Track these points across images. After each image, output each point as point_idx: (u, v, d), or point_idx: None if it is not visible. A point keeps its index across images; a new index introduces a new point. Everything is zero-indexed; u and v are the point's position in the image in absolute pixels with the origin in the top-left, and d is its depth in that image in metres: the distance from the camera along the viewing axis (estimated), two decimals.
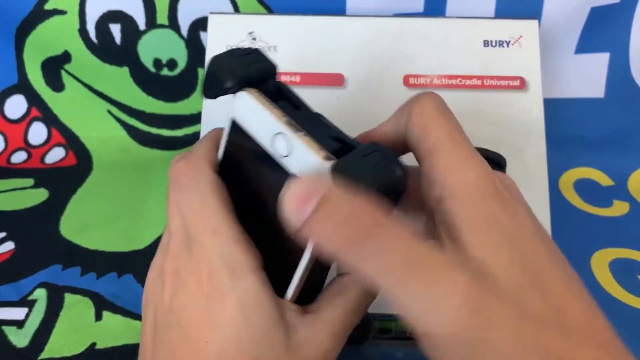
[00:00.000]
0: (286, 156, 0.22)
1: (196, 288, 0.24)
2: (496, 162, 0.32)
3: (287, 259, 0.23)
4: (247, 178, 0.25)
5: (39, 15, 0.51)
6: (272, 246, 0.24)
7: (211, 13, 0.45)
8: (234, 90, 0.24)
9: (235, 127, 0.24)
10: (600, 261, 0.45)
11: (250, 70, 0.24)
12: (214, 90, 0.24)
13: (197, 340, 0.23)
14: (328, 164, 0.20)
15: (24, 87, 0.54)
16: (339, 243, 0.19)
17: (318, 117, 0.24)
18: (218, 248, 0.23)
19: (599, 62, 0.52)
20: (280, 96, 0.24)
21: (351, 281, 0.25)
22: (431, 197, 0.22)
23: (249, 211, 0.25)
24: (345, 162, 0.20)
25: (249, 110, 0.23)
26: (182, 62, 0.53)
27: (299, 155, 0.21)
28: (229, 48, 0.45)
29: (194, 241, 0.24)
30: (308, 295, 0.24)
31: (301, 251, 0.22)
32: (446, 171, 0.21)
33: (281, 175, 0.22)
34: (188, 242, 0.24)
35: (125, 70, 0.54)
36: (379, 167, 0.20)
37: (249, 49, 0.25)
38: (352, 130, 0.44)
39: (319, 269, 0.23)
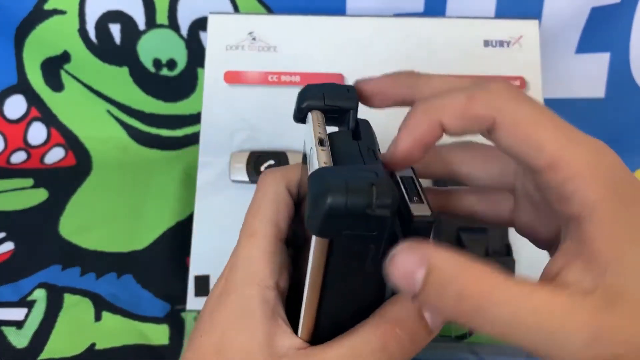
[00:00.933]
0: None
1: (219, 282, 0.25)
2: None
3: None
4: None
5: (38, 15, 0.51)
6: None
7: (211, 13, 0.45)
8: (304, 113, 0.25)
9: (304, 156, 0.25)
10: None
11: (326, 98, 0.25)
12: (296, 111, 0.25)
13: (198, 330, 0.24)
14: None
15: (23, 87, 0.54)
16: (456, 315, 0.19)
17: (370, 150, 0.24)
18: (246, 250, 0.24)
19: (599, 62, 0.52)
20: (355, 131, 0.25)
21: (370, 325, 0.23)
22: (561, 212, 0.20)
23: (301, 240, 0.25)
24: (323, 170, 0.20)
25: (306, 130, 0.24)
26: (181, 62, 0.53)
27: (312, 165, 0.22)
28: (228, 48, 0.45)
29: (239, 238, 0.25)
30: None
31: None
32: (585, 189, 0.19)
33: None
34: (238, 237, 0.26)
35: (125, 70, 0.53)
36: (352, 182, 0.19)
37: (345, 85, 0.25)
38: None
39: (333, 308, 0.23)
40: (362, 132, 0.24)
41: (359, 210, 0.19)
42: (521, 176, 0.23)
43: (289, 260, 0.26)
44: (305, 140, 0.25)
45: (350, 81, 0.44)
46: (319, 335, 0.23)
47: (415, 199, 0.22)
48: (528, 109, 0.20)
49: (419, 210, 0.21)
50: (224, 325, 0.24)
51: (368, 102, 0.25)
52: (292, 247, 0.26)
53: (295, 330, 0.23)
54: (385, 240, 0.20)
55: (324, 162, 0.21)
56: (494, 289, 0.19)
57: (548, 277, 0.20)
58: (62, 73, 0.54)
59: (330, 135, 0.24)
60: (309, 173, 0.21)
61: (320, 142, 0.22)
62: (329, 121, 0.25)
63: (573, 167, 0.19)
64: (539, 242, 0.23)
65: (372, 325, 0.23)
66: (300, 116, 0.25)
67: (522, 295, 0.19)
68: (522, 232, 0.24)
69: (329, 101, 0.25)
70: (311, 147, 0.23)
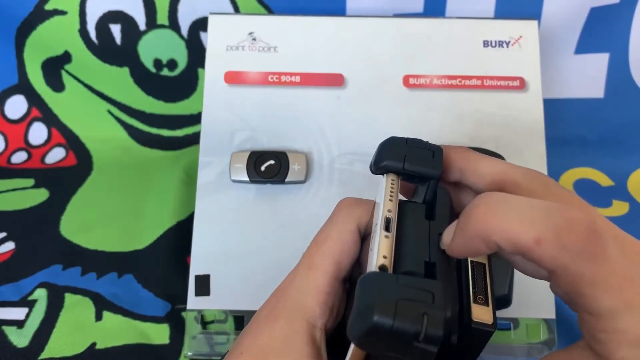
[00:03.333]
0: (371, 250, 0.21)
1: (267, 305, 0.25)
2: None
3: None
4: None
5: (39, 15, 0.51)
6: None
7: (211, 13, 0.45)
8: (380, 172, 0.24)
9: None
10: None
11: (407, 161, 0.23)
12: (373, 166, 0.24)
13: (238, 347, 0.24)
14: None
15: (24, 87, 0.54)
16: None
17: (436, 239, 0.22)
18: (302, 282, 0.24)
19: (598, 62, 0.52)
20: (431, 202, 0.23)
21: None
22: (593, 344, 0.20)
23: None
24: (377, 278, 0.18)
25: (379, 192, 0.23)
26: (182, 62, 0.53)
27: (372, 255, 0.21)
28: (229, 48, 0.45)
29: (298, 263, 0.25)
30: None
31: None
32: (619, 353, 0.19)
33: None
34: (299, 262, 0.25)
35: (125, 70, 0.54)
36: (403, 305, 0.17)
37: (433, 145, 0.23)
38: (351, 129, 0.44)
39: None
40: (437, 207, 0.23)
41: (404, 337, 0.17)
42: None
43: (344, 296, 0.25)
44: (377, 194, 0.23)
45: (350, 80, 0.44)
46: None
47: (480, 298, 0.21)
48: (594, 269, 0.18)
49: (482, 315, 0.20)
50: (266, 351, 0.23)
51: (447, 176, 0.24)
52: (351, 283, 0.25)
53: None
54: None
55: (384, 257, 0.20)
56: None
57: None
58: (63, 73, 0.54)
59: (400, 205, 0.22)
60: (364, 272, 0.19)
61: (387, 225, 0.21)
62: (407, 180, 0.23)
63: (618, 328, 0.18)
64: (570, 307, 0.22)
65: None
66: (376, 172, 0.24)
67: None
68: (555, 294, 0.23)
69: (409, 166, 0.23)
70: (376, 224, 0.21)
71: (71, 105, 0.55)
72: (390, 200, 0.22)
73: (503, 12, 0.49)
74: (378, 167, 0.23)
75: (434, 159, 0.23)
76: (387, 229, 0.21)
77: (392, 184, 0.23)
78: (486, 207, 0.19)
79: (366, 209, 0.25)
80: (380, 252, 0.20)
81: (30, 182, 0.52)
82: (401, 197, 0.24)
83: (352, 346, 0.20)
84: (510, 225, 0.18)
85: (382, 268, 0.20)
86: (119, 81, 0.54)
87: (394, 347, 0.18)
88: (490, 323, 0.20)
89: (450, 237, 0.20)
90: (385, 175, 0.23)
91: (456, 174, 0.23)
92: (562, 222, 0.18)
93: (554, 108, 0.52)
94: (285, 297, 0.24)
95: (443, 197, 0.23)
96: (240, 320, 0.40)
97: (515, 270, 0.29)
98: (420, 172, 0.23)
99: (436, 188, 0.23)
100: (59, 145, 0.55)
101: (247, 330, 0.25)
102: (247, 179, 0.41)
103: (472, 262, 0.22)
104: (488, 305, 0.20)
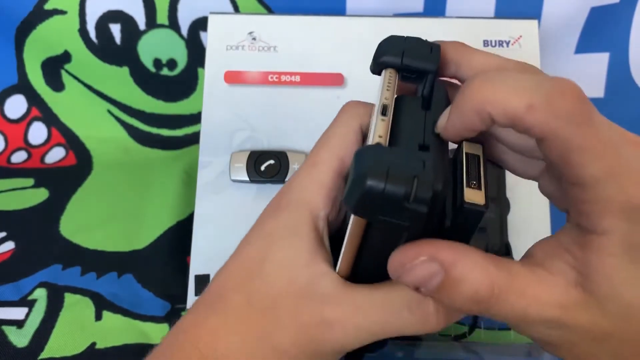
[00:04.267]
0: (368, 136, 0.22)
1: (272, 202, 0.26)
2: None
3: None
4: None
5: (39, 15, 0.51)
6: None
7: (211, 13, 0.45)
8: (379, 68, 0.24)
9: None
10: None
11: (405, 56, 0.23)
12: (372, 63, 0.24)
13: (244, 241, 0.26)
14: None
15: (24, 87, 0.54)
16: (467, 311, 0.21)
17: (432, 125, 0.23)
18: (305, 177, 0.25)
19: (598, 62, 0.52)
20: (428, 98, 0.24)
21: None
22: (578, 215, 0.20)
23: None
24: (371, 149, 0.19)
25: (378, 87, 0.23)
26: (182, 62, 0.53)
27: (369, 132, 0.21)
28: (229, 48, 0.45)
29: (304, 162, 0.26)
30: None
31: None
32: (605, 217, 0.19)
33: None
34: (304, 161, 0.27)
35: (125, 70, 0.54)
36: (394, 169, 0.18)
37: (431, 42, 0.24)
38: None
39: (367, 263, 0.23)
40: (434, 100, 0.23)
41: (395, 200, 0.18)
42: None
43: None
44: (376, 92, 0.24)
45: (350, 80, 0.44)
46: (352, 280, 0.24)
47: (473, 183, 0.21)
48: (581, 134, 0.19)
49: (474, 196, 0.21)
50: (271, 237, 0.25)
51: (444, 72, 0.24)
52: None
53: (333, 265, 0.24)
54: (428, 220, 0.19)
55: (379, 136, 0.20)
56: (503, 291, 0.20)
57: (533, 258, 0.21)
58: (63, 73, 0.54)
59: (398, 99, 0.23)
60: (359, 147, 0.21)
61: (383, 110, 0.21)
62: (405, 80, 0.24)
63: (602, 196, 0.19)
64: (558, 206, 0.23)
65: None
66: (375, 70, 0.24)
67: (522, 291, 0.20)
68: (544, 193, 0.24)
69: (408, 60, 0.23)
70: (373, 113, 0.22)
71: (71, 105, 0.55)
72: (388, 90, 0.22)
73: (503, 12, 0.49)
74: (377, 62, 0.24)
75: (432, 53, 0.23)
76: (383, 113, 0.21)
77: (390, 76, 0.23)
78: (481, 81, 0.20)
79: (369, 110, 0.26)
80: (376, 132, 0.21)
81: (30, 182, 0.52)
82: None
83: (351, 217, 0.21)
84: (503, 93, 0.19)
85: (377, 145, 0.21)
86: (118, 81, 0.54)
87: (387, 210, 0.19)
88: (482, 204, 0.21)
89: (446, 119, 0.21)
90: (383, 71, 0.24)
91: (452, 67, 0.24)
92: (553, 89, 0.19)
93: None
94: (289, 191, 0.25)
95: (440, 90, 0.24)
96: None
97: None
98: (418, 67, 0.23)
99: (433, 83, 0.24)
100: (59, 145, 0.55)
101: (254, 226, 0.26)
102: (247, 178, 0.41)
103: (467, 153, 0.22)
104: (481, 190, 0.21)
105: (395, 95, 0.23)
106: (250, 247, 0.25)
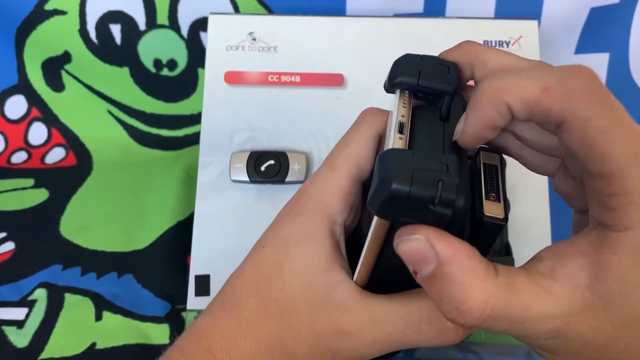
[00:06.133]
0: None
1: (288, 205, 0.26)
2: None
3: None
4: None
5: (39, 15, 0.51)
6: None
7: (211, 13, 0.45)
8: (394, 89, 0.23)
9: (390, 117, 0.24)
10: None
11: (422, 77, 0.22)
12: (387, 83, 0.24)
13: (260, 243, 0.26)
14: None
15: (24, 87, 0.54)
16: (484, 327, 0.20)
17: (450, 137, 0.22)
18: (323, 181, 0.25)
19: (598, 62, 0.52)
20: (446, 115, 0.23)
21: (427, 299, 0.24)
22: (598, 211, 0.20)
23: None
24: (394, 152, 0.19)
25: (392, 103, 0.23)
26: (182, 62, 0.53)
27: (386, 145, 0.21)
28: (229, 48, 0.45)
29: (321, 165, 0.26)
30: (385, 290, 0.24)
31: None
32: (630, 213, 0.18)
33: None
34: (321, 164, 0.27)
35: (125, 70, 0.54)
36: (419, 172, 0.18)
37: (447, 61, 0.23)
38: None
39: (386, 271, 0.23)
40: (453, 111, 0.23)
41: (420, 203, 0.18)
42: (574, 160, 0.22)
43: (362, 199, 0.26)
44: (390, 109, 0.24)
45: (350, 80, 0.44)
46: (369, 288, 0.24)
47: (492, 195, 0.21)
48: (602, 114, 0.18)
49: (493, 209, 0.21)
50: (288, 242, 0.24)
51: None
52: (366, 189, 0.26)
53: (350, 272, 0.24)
54: (448, 229, 0.19)
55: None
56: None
57: (541, 262, 0.20)
58: (63, 73, 0.54)
59: (415, 109, 0.23)
60: (380, 152, 0.20)
61: (400, 128, 0.21)
62: (420, 99, 0.23)
63: (627, 188, 0.18)
64: (573, 205, 0.23)
65: (429, 300, 0.23)
66: (390, 90, 0.24)
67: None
68: (558, 191, 0.24)
69: (425, 82, 0.22)
70: (389, 129, 0.22)
71: (71, 105, 0.55)
72: (404, 107, 0.22)
73: (503, 12, 0.49)
74: (392, 83, 0.23)
75: (449, 74, 0.23)
76: (400, 131, 0.21)
77: (404, 98, 0.23)
78: (494, 76, 0.20)
79: (387, 118, 0.26)
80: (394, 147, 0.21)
81: (30, 182, 0.52)
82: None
83: (374, 219, 0.21)
84: (517, 81, 0.19)
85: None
86: (119, 81, 0.54)
87: (411, 212, 0.19)
88: (502, 217, 0.21)
89: (462, 124, 0.21)
90: (398, 91, 0.23)
91: (467, 71, 0.23)
92: (565, 71, 0.19)
93: None
94: (307, 195, 0.25)
95: (458, 101, 0.23)
96: None
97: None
98: (435, 88, 0.22)
99: (451, 103, 0.23)
100: (59, 145, 0.55)
101: (269, 228, 0.26)
102: (247, 179, 0.41)
103: (484, 163, 0.22)
104: (499, 202, 0.21)
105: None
106: (266, 251, 0.25)
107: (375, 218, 0.21)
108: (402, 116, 0.21)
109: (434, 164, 0.19)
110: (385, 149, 0.21)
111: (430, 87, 0.22)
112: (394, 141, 0.21)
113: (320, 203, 0.25)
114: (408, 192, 0.18)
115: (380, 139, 0.26)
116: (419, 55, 0.23)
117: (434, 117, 0.22)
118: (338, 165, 0.25)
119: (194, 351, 0.24)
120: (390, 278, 0.24)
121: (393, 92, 0.23)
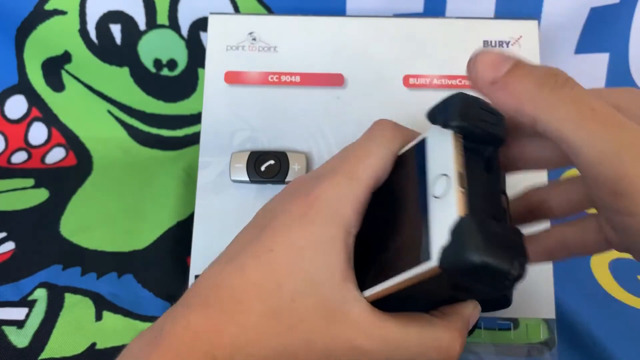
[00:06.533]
0: (436, 197, 0.22)
1: (299, 200, 0.25)
2: None
3: (390, 264, 0.24)
4: (394, 183, 0.26)
5: (39, 15, 0.51)
6: (380, 251, 0.25)
7: (211, 13, 0.45)
8: (450, 127, 0.23)
9: (420, 146, 0.25)
10: (600, 262, 0.45)
11: (477, 126, 0.23)
12: (438, 116, 0.24)
13: (266, 243, 0.25)
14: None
15: (24, 87, 0.54)
16: (534, 94, 0.21)
17: (499, 192, 0.24)
18: (343, 189, 0.25)
19: (598, 62, 0.52)
20: (488, 164, 0.24)
21: (442, 325, 0.25)
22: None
23: (378, 210, 0.26)
24: (474, 224, 0.20)
25: (441, 143, 0.23)
26: (182, 62, 0.53)
27: (445, 204, 0.22)
28: (229, 48, 0.45)
29: (336, 169, 0.26)
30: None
31: (410, 260, 0.22)
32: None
33: (417, 207, 0.23)
34: (335, 167, 0.26)
35: (125, 70, 0.54)
36: (496, 251, 0.20)
37: (496, 110, 0.23)
38: (351, 129, 0.44)
39: (417, 292, 0.23)
40: (496, 163, 0.24)
41: (493, 275, 0.20)
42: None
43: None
44: (429, 139, 0.24)
45: (350, 80, 0.44)
46: (380, 305, 0.24)
47: None
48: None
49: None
50: (302, 251, 0.24)
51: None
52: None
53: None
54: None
55: (465, 213, 0.21)
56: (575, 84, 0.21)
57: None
58: (63, 73, 0.54)
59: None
60: (447, 216, 0.21)
61: (461, 181, 0.22)
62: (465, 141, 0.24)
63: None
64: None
65: (444, 326, 0.24)
66: (435, 122, 0.24)
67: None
68: (623, 250, 0.24)
69: (480, 131, 0.23)
70: (445, 175, 0.22)
71: (71, 105, 0.55)
72: (461, 155, 0.23)
73: (503, 12, 0.49)
74: (448, 124, 0.23)
75: (499, 125, 0.23)
76: (461, 184, 0.22)
77: (460, 141, 0.23)
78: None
79: (405, 134, 0.27)
80: (459, 206, 0.21)
81: (30, 182, 0.52)
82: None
83: (427, 265, 0.21)
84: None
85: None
86: (119, 81, 0.54)
87: (476, 279, 0.20)
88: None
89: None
90: (452, 133, 0.23)
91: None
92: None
93: None
94: (321, 202, 0.25)
95: (497, 160, 0.24)
96: None
97: None
98: (487, 139, 0.23)
99: (498, 156, 0.24)
100: (59, 145, 0.55)
101: (275, 226, 0.25)
102: (247, 179, 0.41)
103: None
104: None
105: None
106: (276, 257, 0.24)
107: (428, 265, 0.21)
108: (460, 166, 0.22)
109: (510, 240, 0.21)
110: (440, 193, 0.22)
111: (485, 136, 0.23)
112: (458, 196, 0.21)
113: (337, 214, 0.24)
114: (485, 263, 0.19)
115: (397, 152, 0.26)
116: (477, 98, 0.23)
117: (478, 167, 0.23)
118: (359, 176, 0.25)
119: (192, 352, 0.23)
120: (405, 304, 0.24)
121: (439, 125, 0.24)
